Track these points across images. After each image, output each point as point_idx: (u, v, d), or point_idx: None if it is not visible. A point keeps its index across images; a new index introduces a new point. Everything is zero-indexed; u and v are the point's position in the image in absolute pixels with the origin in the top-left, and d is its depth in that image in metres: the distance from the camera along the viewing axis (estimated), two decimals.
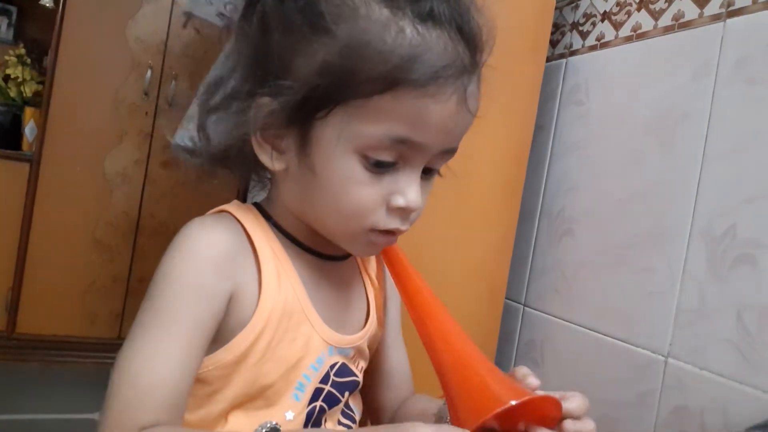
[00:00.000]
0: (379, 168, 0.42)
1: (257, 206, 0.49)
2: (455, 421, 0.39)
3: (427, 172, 0.45)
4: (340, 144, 0.41)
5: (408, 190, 0.43)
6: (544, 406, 0.41)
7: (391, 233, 0.45)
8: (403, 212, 0.44)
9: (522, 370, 0.43)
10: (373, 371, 0.58)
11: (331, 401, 0.49)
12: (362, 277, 0.55)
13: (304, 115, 0.42)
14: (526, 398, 0.37)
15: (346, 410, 0.52)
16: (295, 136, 0.43)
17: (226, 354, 0.43)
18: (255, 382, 0.44)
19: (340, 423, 0.51)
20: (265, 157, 0.45)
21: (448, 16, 0.41)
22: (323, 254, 0.49)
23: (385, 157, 0.41)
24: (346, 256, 0.52)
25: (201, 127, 0.46)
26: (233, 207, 0.48)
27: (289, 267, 0.47)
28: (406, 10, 0.40)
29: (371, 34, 0.39)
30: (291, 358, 0.46)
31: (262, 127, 0.43)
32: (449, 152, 0.45)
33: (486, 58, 0.45)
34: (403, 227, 0.44)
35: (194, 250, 0.43)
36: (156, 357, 0.39)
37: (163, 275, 0.42)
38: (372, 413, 0.60)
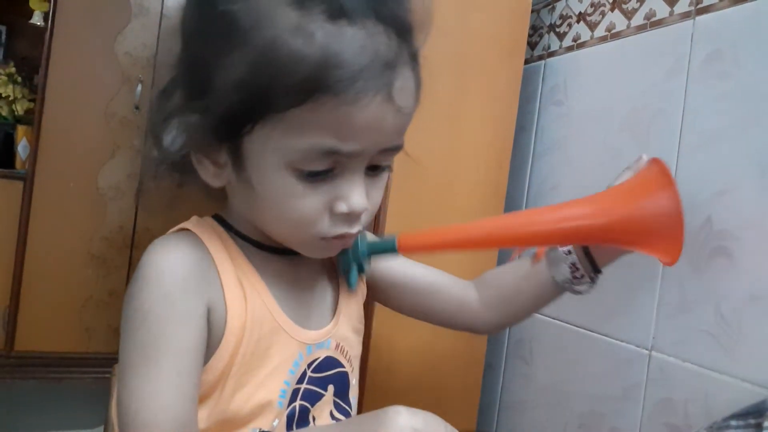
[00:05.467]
0: (314, 177, 0.40)
1: (218, 217, 0.49)
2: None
3: (374, 169, 0.44)
4: (270, 159, 0.40)
5: (350, 194, 0.41)
6: None
7: (341, 237, 0.44)
8: (348, 217, 0.43)
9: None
10: (424, 306, 0.60)
11: (313, 398, 0.49)
12: (334, 260, 0.56)
13: (231, 131, 0.40)
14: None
15: (339, 402, 0.52)
16: (228, 151, 0.42)
17: (206, 375, 0.44)
18: (237, 396, 0.45)
19: (333, 417, 0.51)
20: (206, 174, 0.44)
21: (364, 6, 0.38)
22: (290, 251, 0.49)
23: (317, 167, 0.40)
24: None
25: (156, 140, 0.44)
26: (192, 223, 0.48)
27: (254, 276, 0.47)
28: (313, 10, 0.37)
29: (280, 43, 0.37)
30: (269, 367, 0.46)
31: (196, 145, 0.42)
32: (391, 150, 0.43)
33: (424, 36, 0.42)
34: (352, 230, 0.44)
35: (159, 276, 0.42)
36: (152, 394, 0.39)
37: (135, 309, 0.42)
38: (468, 323, 0.62)
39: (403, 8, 0.40)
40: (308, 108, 0.37)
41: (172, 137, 0.43)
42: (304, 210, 0.42)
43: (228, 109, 0.39)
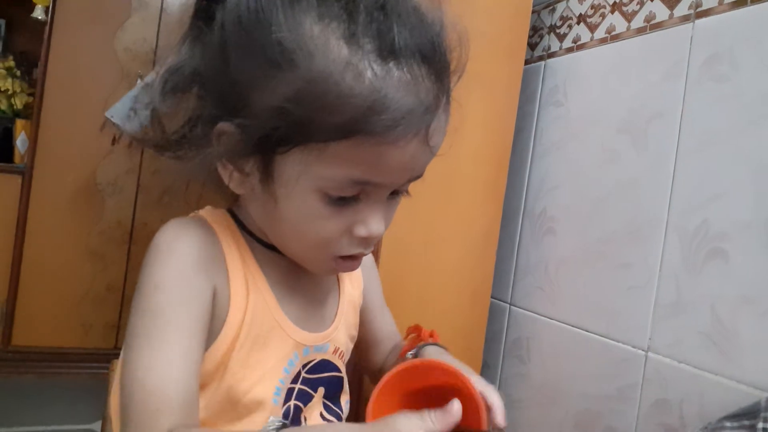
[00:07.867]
0: (341, 202, 0.41)
1: (231, 212, 0.50)
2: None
3: (394, 194, 0.45)
4: (301, 182, 0.40)
5: (370, 220, 0.42)
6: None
7: (353, 257, 0.45)
8: (366, 240, 0.44)
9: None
10: (362, 340, 0.61)
11: (305, 398, 0.50)
12: None
13: (265, 148, 0.40)
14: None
15: (330, 405, 0.53)
16: (257, 163, 0.42)
17: (204, 364, 0.44)
18: (233, 389, 0.45)
19: (323, 418, 0.52)
20: (229, 180, 0.44)
21: (413, 46, 0.38)
22: None
23: (346, 193, 0.41)
24: None
25: (154, 114, 0.43)
26: (207, 212, 0.49)
27: (258, 275, 0.47)
28: (365, 47, 0.37)
29: (327, 79, 0.36)
30: (265, 363, 0.47)
31: (226, 154, 0.42)
32: (413, 179, 0.44)
33: (458, 75, 0.43)
34: (366, 251, 0.45)
35: (174, 250, 0.43)
36: (160, 364, 0.40)
37: (147, 281, 0.42)
38: (371, 376, 0.64)
39: (443, 50, 0.40)
40: (347, 144, 0.38)
41: (195, 138, 0.42)
42: (326, 232, 0.43)
43: (266, 130, 0.39)
